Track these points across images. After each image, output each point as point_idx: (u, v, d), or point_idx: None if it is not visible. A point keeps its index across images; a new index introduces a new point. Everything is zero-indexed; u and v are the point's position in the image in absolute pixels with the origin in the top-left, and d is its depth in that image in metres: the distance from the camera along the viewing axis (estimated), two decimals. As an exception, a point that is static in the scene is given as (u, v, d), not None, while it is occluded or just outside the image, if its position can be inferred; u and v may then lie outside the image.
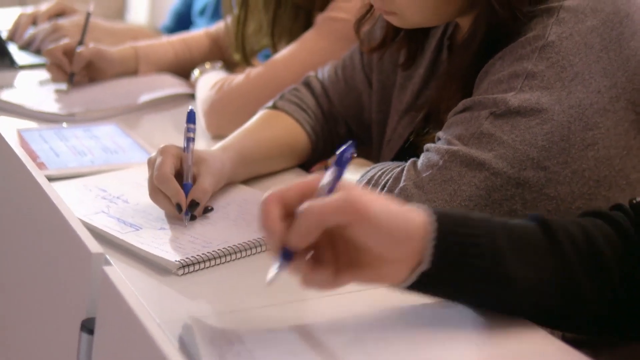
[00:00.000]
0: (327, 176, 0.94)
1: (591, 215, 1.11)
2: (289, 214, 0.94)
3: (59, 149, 1.66)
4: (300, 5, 1.88)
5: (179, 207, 1.34)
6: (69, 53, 2.02)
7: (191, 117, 1.42)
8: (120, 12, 4.25)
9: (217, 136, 1.76)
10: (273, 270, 0.95)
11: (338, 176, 0.93)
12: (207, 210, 1.39)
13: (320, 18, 1.82)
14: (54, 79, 2.03)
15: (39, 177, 1.19)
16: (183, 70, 2.17)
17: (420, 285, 0.97)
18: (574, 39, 1.26)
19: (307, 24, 1.88)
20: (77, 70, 2.02)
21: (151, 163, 1.38)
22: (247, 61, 1.99)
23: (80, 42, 2.05)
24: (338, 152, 0.95)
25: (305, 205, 0.92)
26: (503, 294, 0.98)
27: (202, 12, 2.71)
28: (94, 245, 1.09)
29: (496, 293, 0.98)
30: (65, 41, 2.08)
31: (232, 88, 1.79)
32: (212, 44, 2.23)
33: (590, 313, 1.03)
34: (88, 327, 1.07)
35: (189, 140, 1.40)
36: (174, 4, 2.91)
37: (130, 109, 1.94)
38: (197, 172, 1.39)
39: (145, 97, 1.98)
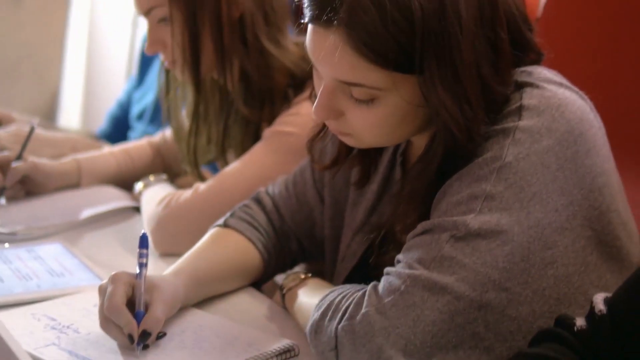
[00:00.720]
0: None
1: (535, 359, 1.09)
2: None
3: (2, 273, 1.60)
4: (249, 118, 1.87)
5: (130, 337, 1.30)
6: (4, 166, 1.97)
7: (144, 242, 1.39)
8: (51, 114, 4.20)
9: (165, 254, 1.73)
10: None
11: None
12: (159, 336, 1.35)
13: (268, 132, 1.81)
14: None
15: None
16: (126, 181, 2.13)
17: None
18: (531, 159, 1.26)
19: (257, 136, 1.87)
20: (10, 184, 1.96)
21: (102, 291, 1.35)
22: (197, 172, 1.96)
23: (19, 156, 2.00)
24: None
25: None
26: None
27: (140, 116, 2.69)
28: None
29: None
30: (2, 153, 2.03)
31: (180, 204, 1.76)
32: (154, 154, 2.21)
33: None
34: None
35: (142, 265, 1.37)
36: (110, 108, 2.88)
37: (73, 225, 1.90)
38: (150, 300, 1.35)
39: (88, 212, 1.94)
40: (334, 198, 1.58)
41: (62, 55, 4.17)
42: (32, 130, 2.04)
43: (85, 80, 4.06)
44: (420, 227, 1.28)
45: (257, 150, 1.80)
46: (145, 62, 2.78)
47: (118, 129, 2.81)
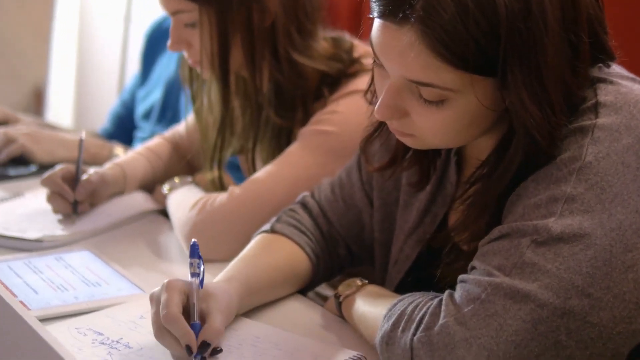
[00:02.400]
0: None
1: None
2: None
3: (35, 284, 1.53)
4: (281, 125, 1.80)
5: (188, 349, 1.24)
6: (68, 179, 1.87)
7: (194, 251, 1.31)
8: (35, 110, 4.09)
9: (202, 259, 1.66)
10: None
11: None
12: (215, 351, 1.28)
13: (305, 132, 1.74)
14: (57, 210, 1.85)
15: (43, 333, 1.08)
16: (159, 182, 2.05)
17: None
18: (611, 159, 1.21)
19: (289, 139, 1.80)
20: (82, 199, 1.85)
21: (155, 300, 1.28)
22: (219, 173, 1.89)
23: (78, 168, 1.88)
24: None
25: None
26: None
27: (147, 115, 2.61)
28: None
29: None
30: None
31: (216, 208, 1.69)
32: (173, 149, 2.12)
33: None
34: None
35: (194, 275, 1.30)
36: (113, 106, 2.80)
37: (98, 231, 1.82)
38: (206, 310, 1.28)
39: (112, 218, 1.87)
40: (383, 200, 1.51)
41: (48, 49, 4.06)
42: (81, 142, 1.93)
43: (77, 76, 3.96)
44: (497, 231, 1.22)
45: (294, 151, 1.73)
46: (148, 60, 2.70)
47: (122, 129, 2.72)
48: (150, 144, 2.11)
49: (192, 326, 1.25)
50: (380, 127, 1.40)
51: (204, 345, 1.24)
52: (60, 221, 1.83)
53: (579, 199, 1.19)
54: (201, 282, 1.29)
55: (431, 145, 1.31)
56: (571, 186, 1.19)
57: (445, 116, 1.23)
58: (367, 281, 1.42)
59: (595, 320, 1.19)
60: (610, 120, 1.23)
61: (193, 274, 1.28)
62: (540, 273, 1.17)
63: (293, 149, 1.74)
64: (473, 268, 1.22)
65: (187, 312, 1.28)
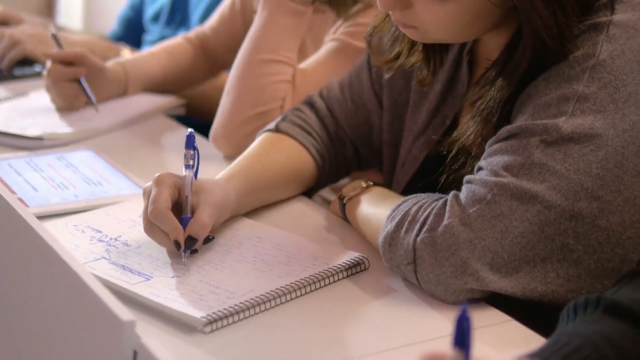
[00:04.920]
0: None
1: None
2: None
3: (35, 182, 1.50)
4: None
5: (177, 244, 1.21)
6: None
7: (190, 142, 1.28)
8: (47, 12, 4.04)
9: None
10: None
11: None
12: (207, 240, 1.26)
13: (341, 39, 1.68)
14: (56, 99, 1.86)
15: (40, 229, 1.05)
16: (172, 84, 2.01)
17: None
18: (627, 57, 1.16)
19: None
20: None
21: (146, 194, 1.26)
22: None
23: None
24: (454, 330, 0.74)
25: None
26: None
27: (156, 18, 2.56)
28: (124, 313, 0.95)
29: None
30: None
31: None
32: (196, 50, 2.06)
33: None
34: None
35: (188, 167, 1.27)
36: (121, 9, 2.75)
37: (101, 131, 1.79)
38: (197, 203, 1.25)
39: (117, 117, 1.83)
40: (393, 100, 1.47)
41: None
42: (54, 36, 1.89)
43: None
44: (505, 131, 1.18)
45: (327, 62, 1.68)
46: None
47: (131, 32, 2.67)
48: (166, 45, 2.06)
49: (182, 220, 1.22)
50: (386, 18, 1.35)
51: (191, 239, 1.22)
52: (62, 120, 1.80)
53: (592, 98, 1.14)
54: (195, 174, 1.26)
55: (434, 39, 1.27)
56: (583, 85, 1.15)
57: (448, 10, 1.18)
58: (372, 183, 1.38)
59: (604, 224, 1.16)
60: (627, 17, 1.17)
61: (187, 166, 1.25)
62: (548, 174, 1.13)
63: (326, 59, 1.68)
64: (480, 169, 1.19)
65: (180, 205, 1.26)
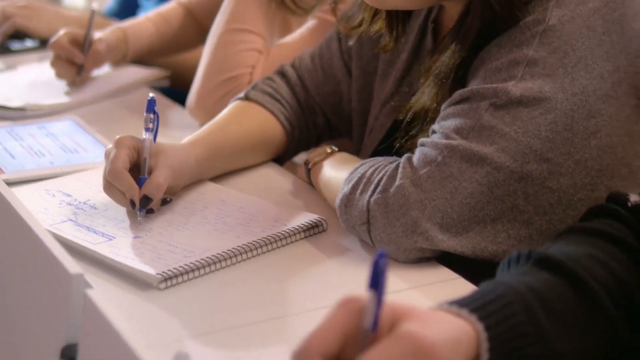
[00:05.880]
0: (367, 307, 0.77)
1: (589, 234, 1.03)
2: None
3: (14, 150, 1.54)
4: None
5: (132, 202, 1.26)
6: (77, 43, 1.87)
7: (150, 107, 1.32)
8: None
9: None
10: None
11: (379, 303, 0.77)
12: (165, 202, 1.31)
13: (318, 16, 1.71)
14: (60, 74, 1.87)
15: (6, 193, 1.09)
16: (168, 46, 2.04)
17: None
18: (576, 22, 1.18)
19: None
20: (90, 68, 1.88)
21: (107, 155, 1.30)
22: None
23: (87, 37, 1.88)
24: (370, 273, 0.77)
25: None
26: None
27: (150, -7, 2.59)
28: (72, 265, 0.99)
29: None
30: (65, 31, 1.90)
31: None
32: (187, 14, 2.08)
33: (627, 348, 0.96)
34: (69, 354, 0.98)
35: (147, 130, 1.31)
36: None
37: (85, 102, 1.83)
38: (154, 165, 1.29)
39: (102, 88, 1.87)
40: (362, 70, 1.50)
41: None
42: (93, 13, 1.92)
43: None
44: (458, 95, 1.20)
45: (304, 37, 1.71)
46: None
47: (126, 8, 2.70)
48: (162, 9, 2.09)
49: (140, 180, 1.26)
50: None
51: (146, 199, 1.25)
52: (47, 92, 1.84)
53: (541, 62, 1.17)
54: (155, 137, 1.30)
55: (392, 6, 1.30)
56: (533, 49, 1.17)
57: None
58: (336, 149, 1.41)
59: (554, 186, 1.18)
60: None
61: (147, 129, 1.29)
62: (497, 136, 1.16)
63: (304, 36, 1.72)
64: (433, 132, 1.21)
65: (139, 167, 1.30)
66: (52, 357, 0.97)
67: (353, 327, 0.78)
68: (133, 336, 0.91)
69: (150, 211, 1.27)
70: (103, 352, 0.94)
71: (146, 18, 2.06)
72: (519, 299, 0.88)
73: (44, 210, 1.30)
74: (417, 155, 1.19)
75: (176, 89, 2.09)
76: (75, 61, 1.85)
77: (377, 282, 0.76)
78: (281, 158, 1.55)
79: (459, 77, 1.24)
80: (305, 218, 1.28)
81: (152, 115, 1.30)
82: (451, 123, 1.19)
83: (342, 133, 1.57)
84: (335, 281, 1.16)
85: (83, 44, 1.85)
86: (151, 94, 1.33)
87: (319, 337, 0.77)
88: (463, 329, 0.83)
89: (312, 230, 1.26)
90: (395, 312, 0.80)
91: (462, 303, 0.87)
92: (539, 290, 0.91)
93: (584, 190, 1.20)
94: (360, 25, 1.40)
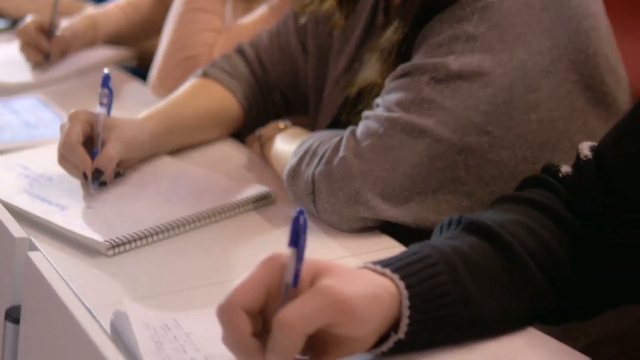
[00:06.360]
0: (288, 263, 0.82)
1: (519, 202, 1.06)
2: (255, 315, 0.82)
3: (-25, 127, 1.58)
4: None
5: (84, 175, 1.29)
6: (43, 29, 1.90)
7: (105, 82, 1.35)
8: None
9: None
10: None
11: (299, 259, 0.81)
12: (118, 175, 1.34)
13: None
14: (29, 59, 1.91)
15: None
16: (137, 32, 2.07)
17: (392, 349, 0.89)
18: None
19: None
20: (56, 54, 1.90)
21: (62, 129, 1.33)
22: None
23: (52, 22, 1.91)
24: (290, 231, 0.81)
25: (282, 317, 0.78)
26: (476, 332, 0.94)
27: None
28: (17, 230, 1.03)
29: (468, 334, 0.93)
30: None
31: None
32: (156, 0, 2.12)
33: (553, 312, 1.00)
34: (13, 315, 1.01)
35: (101, 106, 1.34)
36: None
37: (51, 81, 1.86)
38: (107, 139, 1.32)
39: (67, 67, 1.90)
40: (317, 47, 1.53)
41: None
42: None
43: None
44: (400, 69, 1.24)
45: (264, 18, 1.74)
46: None
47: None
48: None
49: (94, 154, 1.30)
50: None
51: (98, 171, 1.29)
52: (14, 70, 1.87)
53: (480, 38, 1.20)
54: (108, 112, 1.33)
55: None
56: (473, 25, 1.21)
57: None
58: (289, 124, 1.45)
59: (495, 158, 1.22)
60: None
61: (101, 104, 1.33)
62: (437, 109, 1.19)
63: (264, 15, 1.75)
64: (377, 105, 1.25)
65: (93, 141, 1.33)
66: (-3, 317, 1.00)
67: (276, 283, 0.82)
68: (73, 298, 0.95)
69: (103, 184, 1.30)
70: (45, 313, 0.98)
71: (115, 5, 2.09)
72: (443, 259, 0.92)
73: (1, 182, 1.33)
74: (360, 128, 1.23)
75: (143, 69, 2.12)
76: (41, 49, 1.88)
77: (297, 240, 0.80)
78: (239, 134, 1.58)
79: (403, 52, 1.28)
80: (254, 190, 1.31)
81: (106, 91, 1.33)
82: (393, 97, 1.22)
83: (299, 110, 1.60)
84: (281, 250, 1.20)
85: (49, 30, 1.88)
86: (106, 70, 1.37)
87: (241, 292, 0.81)
88: (384, 286, 0.87)
89: (261, 202, 1.30)
90: (316, 268, 0.83)
91: (386, 262, 0.90)
92: (464, 252, 0.94)
93: (525, 163, 1.24)
94: (311, 3, 1.43)
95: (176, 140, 1.46)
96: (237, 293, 0.81)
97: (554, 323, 1.02)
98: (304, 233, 0.80)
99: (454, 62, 1.19)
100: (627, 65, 1.37)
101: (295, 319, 0.78)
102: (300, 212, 0.80)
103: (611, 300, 1.05)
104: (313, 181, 1.22)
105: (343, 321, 0.80)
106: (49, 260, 0.97)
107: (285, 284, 0.81)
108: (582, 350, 0.96)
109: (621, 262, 1.01)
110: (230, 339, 0.80)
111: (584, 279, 1.02)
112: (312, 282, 0.82)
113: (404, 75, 1.23)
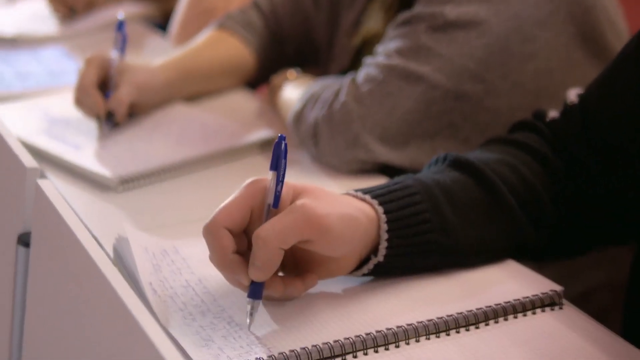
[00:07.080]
0: (270, 185, 0.87)
1: (506, 143, 1.10)
2: (238, 234, 0.87)
3: (3, 73, 1.64)
4: None
5: (98, 117, 1.35)
6: None
7: (119, 27, 1.41)
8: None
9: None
10: (248, 313, 0.86)
11: (279, 181, 0.87)
12: (131, 116, 1.40)
13: None
14: (56, 12, 1.99)
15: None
16: None
17: (373, 272, 0.94)
18: None
19: None
20: (81, 8, 2.00)
21: (79, 73, 1.39)
22: None
23: None
24: (272, 156, 0.87)
25: (259, 232, 0.83)
26: (454, 260, 0.97)
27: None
28: (28, 160, 1.08)
29: (447, 261, 0.97)
30: None
31: None
32: None
33: (533, 250, 1.04)
34: (24, 240, 1.07)
35: (116, 50, 1.40)
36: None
37: (76, 32, 1.92)
38: (119, 82, 1.38)
39: (97, 21, 1.97)
40: (330, 1, 1.58)
41: None
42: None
43: None
44: (400, 18, 1.28)
45: None
46: None
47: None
48: None
49: (107, 95, 1.36)
50: None
51: (110, 113, 1.35)
52: (42, 22, 1.94)
53: (478, -13, 1.24)
54: (122, 56, 1.39)
55: None
56: (470, -24, 1.25)
57: None
58: (300, 72, 1.50)
59: (491, 106, 1.26)
60: None
61: (115, 49, 1.38)
62: (433, 57, 1.24)
63: None
64: (377, 53, 1.30)
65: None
66: (10, 242, 1.06)
67: (258, 204, 0.88)
68: (79, 225, 1.00)
69: (116, 125, 1.36)
70: (53, 239, 1.03)
71: None
72: (424, 190, 0.96)
73: (21, 124, 1.40)
74: (360, 75, 1.28)
75: (167, 25, 2.18)
76: (68, 2, 1.95)
77: (277, 163, 0.86)
78: (252, 84, 1.64)
79: (404, 1, 1.32)
80: (261, 134, 1.37)
81: (120, 36, 1.39)
82: (393, 44, 1.27)
83: (311, 62, 1.64)
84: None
85: None
86: (120, 15, 1.42)
87: (225, 212, 0.87)
88: (363, 211, 0.91)
89: (267, 146, 1.36)
90: (296, 189, 0.89)
91: (368, 190, 0.95)
92: (445, 184, 0.98)
93: (521, 111, 1.27)
94: None
95: (190, 88, 1.52)
96: (221, 213, 0.86)
97: (534, 259, 1.07)
98: (285, 157, 0.86)
99: (451, 11, 1.24)
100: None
101: (271, 233, 0.83)
102: (282, 138, 0.86)
103: (590, 241, 1.09)
104: (315, 124, 1.28)
105: (316, 237, 0.85)
106: (57, 190, 1.03)
107: (267, 204, 0.86)
108: (576, 296, 0.99)
109: (600, 206, 1.05)
110: (215, 256, 0.86)
111: (565, 219, 1.05)
112: (292, 202, 0.88)
113: (403, 23, 1.27)
